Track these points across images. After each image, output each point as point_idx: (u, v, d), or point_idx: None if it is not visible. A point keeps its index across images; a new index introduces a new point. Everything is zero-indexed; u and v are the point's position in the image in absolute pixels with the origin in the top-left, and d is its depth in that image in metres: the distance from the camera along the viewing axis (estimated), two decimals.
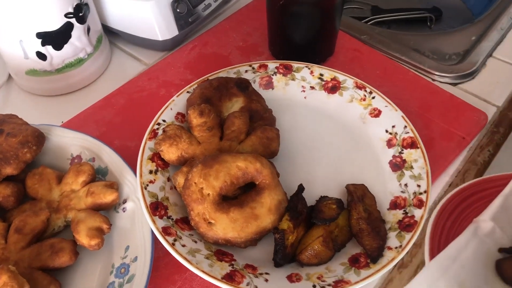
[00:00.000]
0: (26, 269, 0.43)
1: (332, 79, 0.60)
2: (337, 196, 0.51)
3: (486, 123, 0.60)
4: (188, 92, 0.58)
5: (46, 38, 0.58)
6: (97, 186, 0.48)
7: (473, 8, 0.91)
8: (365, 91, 0.59)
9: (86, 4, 0.61)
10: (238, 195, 0.48)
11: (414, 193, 0.50)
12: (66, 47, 0.60)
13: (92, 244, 0.45)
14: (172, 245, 0.44)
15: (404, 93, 0.62)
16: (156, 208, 0.47)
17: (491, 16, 0.76)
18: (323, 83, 0.61)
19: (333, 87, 0.60)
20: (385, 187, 0.52)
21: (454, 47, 0.73)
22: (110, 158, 0.52)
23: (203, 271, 0.42)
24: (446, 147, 0.57)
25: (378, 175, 0.54)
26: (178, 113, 0.56)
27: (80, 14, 0.60)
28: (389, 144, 0.55)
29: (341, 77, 0.60)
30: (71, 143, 0.53)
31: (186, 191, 0.46)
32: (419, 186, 0.50)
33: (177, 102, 0.57)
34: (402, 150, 0.54)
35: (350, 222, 0.48)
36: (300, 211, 0.47)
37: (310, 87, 0.61)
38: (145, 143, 0.52)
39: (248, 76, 0.61)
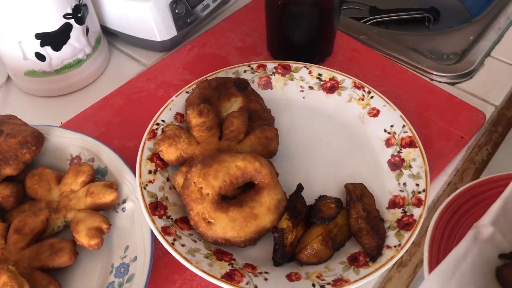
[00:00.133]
0: (26, 269, 0.43)
1: (330, 79, 0.61)
2: (336, 195, 0.51)
3: (484, 122, 0.60)
4: (187, 92, 0.58)
5: (45, 39, 0.58)
6: (97, 186, 0.48)
7: (470, 8, 0.91)
8: (364, 90, 0.59)
9: (85, 5, 0.61)
10: (237, 195, 0.48)
11: (413, 192, 0.50)
12: (65, 48, 0.60)
13: (92, 244, 0.45)
14: (172, 244, 0.44)
15: (402, 93, 0.63)
16: (156, 208, 0.47)
17: (489, 16, 0.77)
18: (322, 83, 0.61)
19: (332, 87, 0.60)
20: (384, 186, 0.52)
21: (452, 46, 0.73)
22: (109, 158, 0.52)
23: (202, 271, 0.42)
24: (444, 146, 0.57)
25: (377, 174, 0.54)
26: (177, 113, 0.56)
27: (79, 15, 0.60)
28: (388, 143, 0.55)
29: (339, 77, 0.60)
30: (70, 143, 0.53)
31: (186, 190, 0.46)
32: (417, 185, 0.50)
33: (176, 102, 0.57)
34: (401, 149, 0.54)
35: (349, 221, 0.48)
36: (299, 210, 0.47)
37: (309, 87, 0.61)
38: (144, 143, 0.52)
39: (247, 76, 0.61)
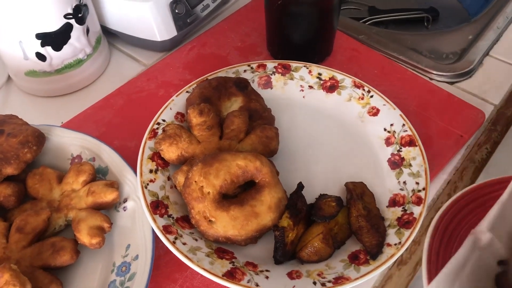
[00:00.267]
0: (28, 268, 0.43)
1: (330, 78, 0.61)
2: (337, 194, 0.51)
3: (483, 121, 0.60)
4: (187, 92, 0.58)
5: (46, 39, 0.58)
6: (98, 185, 0.48)
7: (469, 8, 0.91)
8: (363, 90, 0.59)
9: (85, 5, 0.62)
10: (238, 194, 0.49)
11: (413, 190, 0.50)
12: (66, 48, 0.61)
13: (93, 242, 0.45)
14: (173, 243, 0.44)
15: (402, 92, 0.63)
16: (157, 206, 0.47)
17: (487, 16, 0.77)
18: (322, 82, 0.61)
19: (332, 86, 0.61)
20: (384, 184, 0.52)
21: (451, 46, 0.74)
22: (110, 157, 0.52)
23: (204, 269, 0.43)
24: (444, 145, 0.57)
25: (377, 173, 0.54)
26: (178, 113, 0.57)
27: (79, 15, 0.60)
28: (388, 142, 0.55)
29: (339, 76, 0.61)
30: (71, 143, 0.54)
31: (187, 189, 0.46)
32: (417, 183, 0.50)
33: (177, 102, 0.57)
34: (401, 148, 0.54)
35: (349, 220, 0.48)
36: (300, 208, 0.48)
37: (309, 86, 0.61)
38: (145, 142, 0.52)
39: (247, 75, 0.61)
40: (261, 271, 0.45)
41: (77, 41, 0.61)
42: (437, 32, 0.81)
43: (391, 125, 0.56)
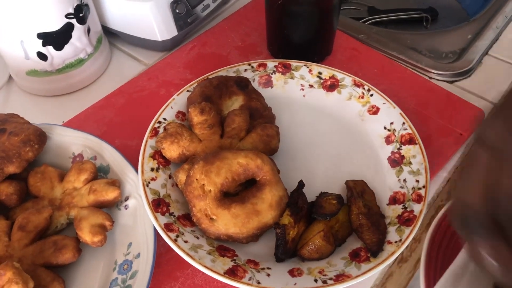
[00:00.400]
0: (30, 266, 0.43)
1: (330, 77, 0.61)
2: (337, 192, 0.52)
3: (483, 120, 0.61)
4: (188, 91, 0.58)
5: (47, 38, 0.58)
6: (99, 183, 0.49)
7: (468, 8, 0.92)
8: (363, 88, 0.59)
9: (86, 5, 0.62)
10: (239, 192, 0.49)
11: (413, 188, 0.50)
12: (67, 47, 0.61)
13: (95, 241, 0.45)
14: (175, 241, 0.44)
15: (401, 91, 0.63)
16: (158, 205, 0.48)
17: (486, 15, 0.77)
18: (322, 81, 0.61)
19: (332, 85, 0.61)
20: (384, 182, 0.53)
21: (451, 45, 0.74)
22: (111, 156, 0.52)
23: (205, 267, 0.43)
24: (444, 143, 0.57)
25: (377, 171, 0.54)
26: (179, 112, 0.57)
27: (81, 15, 0.60)
28: (388, 140, 0.56)
29: (339, 75, 0.61)
30: (72, 141, 0.54)
31: (188, 187, 0.47)
32: (417, 181, 0.50)
33: (178, 101, 0.57)
34: (401, 146, 0.54)
35: (350, 217, 0.48)
36: (301, 206, 0.48)
37: (309, 85, 0.62)
38: (146, 141, 0.53)
39: (248, 75, 0.62)
40: (263, 269, 0.45)
41: (78, 40, 0.61)
42: (437, 31, 0.82)
43: (391, 123, 0.56)
